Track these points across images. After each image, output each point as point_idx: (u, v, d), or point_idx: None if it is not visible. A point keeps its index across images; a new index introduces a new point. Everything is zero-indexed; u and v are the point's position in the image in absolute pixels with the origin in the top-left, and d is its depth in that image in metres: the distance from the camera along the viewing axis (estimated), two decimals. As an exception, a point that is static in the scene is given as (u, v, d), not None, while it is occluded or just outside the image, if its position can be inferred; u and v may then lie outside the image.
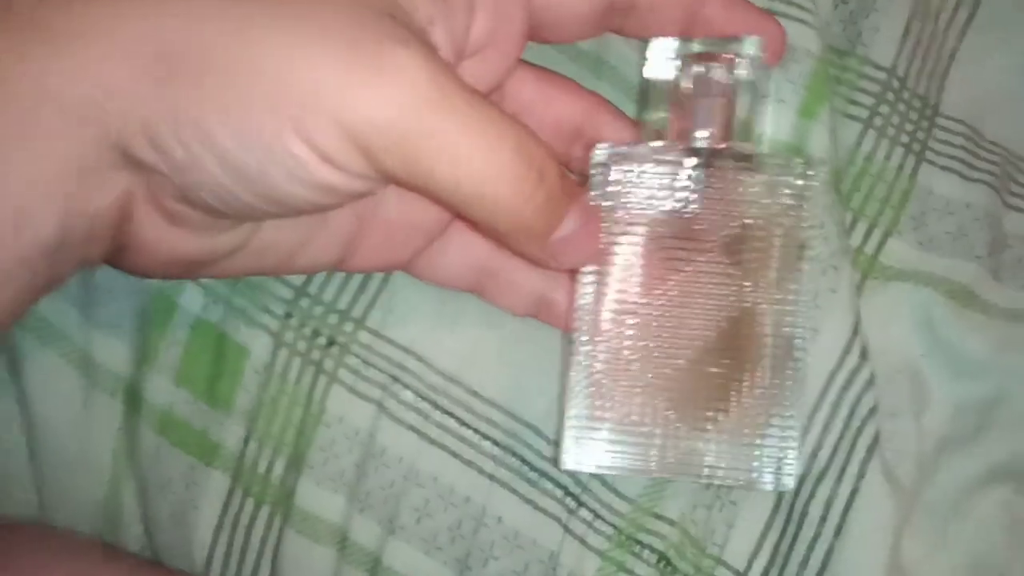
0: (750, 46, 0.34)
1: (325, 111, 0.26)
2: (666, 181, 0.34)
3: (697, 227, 0.34)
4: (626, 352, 0.35)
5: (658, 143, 0.35)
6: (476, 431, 0.39)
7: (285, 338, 0.39)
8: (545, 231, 0.30)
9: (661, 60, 0.35)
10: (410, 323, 0.39)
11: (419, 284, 0.38)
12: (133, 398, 0.40)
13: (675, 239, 0.35)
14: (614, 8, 0.34)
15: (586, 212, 0.31)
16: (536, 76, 0.36)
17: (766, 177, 0.35)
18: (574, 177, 0.33)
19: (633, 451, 0.35)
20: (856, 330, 0.38)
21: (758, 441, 0.35)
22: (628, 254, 0.35)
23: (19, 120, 0.26)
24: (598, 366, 0.35)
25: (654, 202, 0.34)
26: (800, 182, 0.35)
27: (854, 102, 0.41)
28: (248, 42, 0.26)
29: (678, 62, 0.35)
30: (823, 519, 0.38)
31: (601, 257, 0.34)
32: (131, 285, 0.40)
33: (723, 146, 0.35)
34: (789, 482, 0.35)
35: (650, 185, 0.34)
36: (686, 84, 0.35)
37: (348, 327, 0.39)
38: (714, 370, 0.35)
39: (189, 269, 0.33)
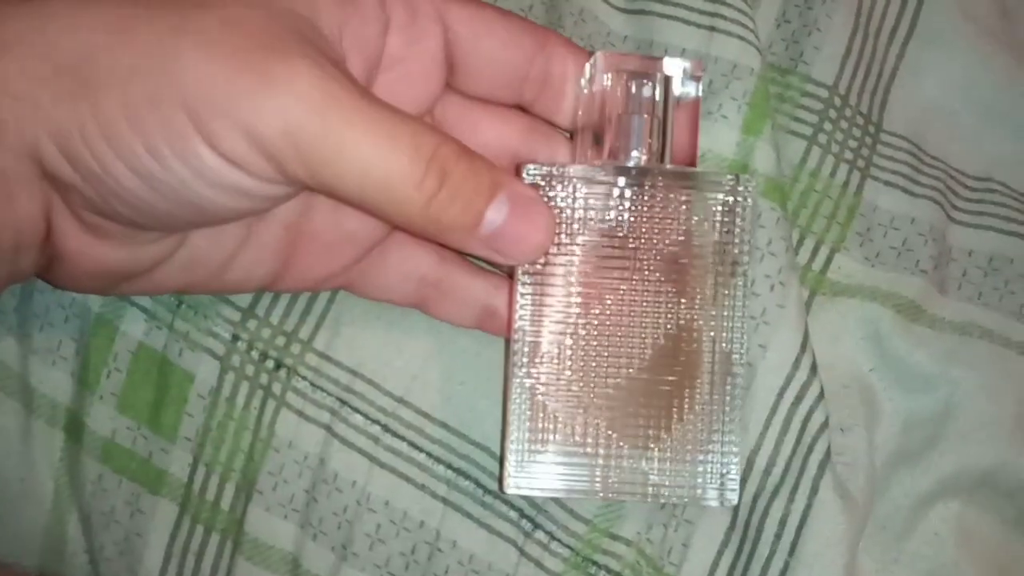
0: (682, 64, 0.34)
1: (229, 117, 0.27)
2: (599, 200, 0.34)
3: (631, 245, 0.34)
4: (566, 373, 0.34)
5: (591, 163, 0.35)
6: (428, 454, 0.38)
7: (232, 362, 0.38)
8: (464, 226, 0.30)
9: (595, 75, 0.35)
10: (358, 344, 0.38)
11: (366, 304, 0.37)
12: (74, 427, 0.38)
13: (610, 258, 0.34)
14: (527, 77, 0.35)
15: (517, 201, 0.30)
16: (463, 103, 0.36)
17: (697, 194, 0.34)
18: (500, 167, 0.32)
19: (577, 473, 0.34)
20: (805, 345, 0.38)
21: (700, 457, 0.34)
22: (563, 274, 0.34)
23: None
24: (538, 388, 0.34)
25: (587, 222, 0.34)
26: (731, 198, 0.34)
27: (797, 119, 0.41)
28: (156, 53, 0.27)
29: (610, 79, 0.34)
30: (777, 536, 0.37)
31: (542, 257, 0.34)
32: (70, 311, 0.38)
33: (653, 164, 0.34)
34: (733, 497, 0.34)
35: (583, 205, 0.34)
36: (618, 101, 0.34)
37: (296, 348, 0.38)
38: (654, 388, 0.34)
39: (116, 282, 0.33)
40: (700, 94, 0.35)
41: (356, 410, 0.37)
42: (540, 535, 0.37)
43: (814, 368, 0.38)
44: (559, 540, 0.37)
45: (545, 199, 0.34)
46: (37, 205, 0.28)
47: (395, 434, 0.37)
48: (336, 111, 0.27)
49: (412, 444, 0.37)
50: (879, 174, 0.41)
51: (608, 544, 0.37)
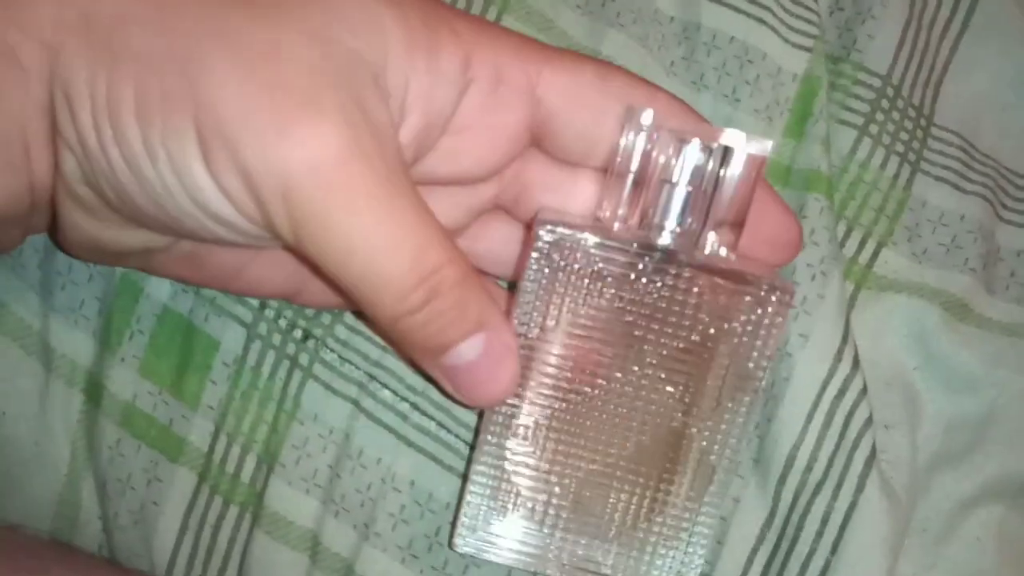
0: (744, 138, 0.28)
1: (232, 150, 0.24)
2: (614, 273, 0.29)
3: (638, 334, 0.29)
4: (537, 453, 0.31)
5: (612, 230, 0.29)
6: (457, 436, 0.35)
7: (259, 330, 0.35)
8: (427, 350, 0.27)
9: (640, 129, 0.29)
10: None
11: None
12: (94, 389, 0.36)
13: (611, 342, 0.30)
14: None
15: (492, 349, 0.27)
16: (545, 162, 0.31)
17: (726, 295, 0.29)
18: (496, 305, 0.28)
19: (529, 547, 0.32)
20: (846, 337, 0.35)
21: (659, 562, 0.31)
22: (558, 342, 0.30)
23: None
24: (506, 457, 0.31)
25: (596, 294, 0.29)
26: (761, 309, 0.29)
27: (848, 108, 0.39)
28: (188, 54, 0.24)
29: (657, 137, 0.28)
30: (819, 534, 0.34)
31: (511, 391, 0.29)
32: (94, 269, 0.36)
33: (686, 246, 0.29)
34: None
35: (595, 274, 0.29)
36: (661, 164, 0.29)
37: (326, 319, 0.35)
38: (628, 482, 0.31)
39: (112, 259, 0.31)
40: (757, 174, 0.29)
41: (385, 385, 0.35)
42: (568, 523, 0.35)
43: (856, 362, 0.35)
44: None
45: (558, 258, 0.29)
46: (47, 166, 0.26)
47: (424, 413, 0.35)
48: (344, 190, 0.24)
49: (440, 424, 0.35)
50: (930, 169, 0.39)
51: None
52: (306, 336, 0.35)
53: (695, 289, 0.29)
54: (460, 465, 0.35)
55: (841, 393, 0.35)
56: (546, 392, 0.30)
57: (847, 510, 0.34)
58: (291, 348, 0.35)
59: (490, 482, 0.31)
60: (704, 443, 0.30)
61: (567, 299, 0.29)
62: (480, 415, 0.34)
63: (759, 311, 0.29)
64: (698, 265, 0.29)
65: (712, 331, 0.30)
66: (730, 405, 0.30)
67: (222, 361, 0.35)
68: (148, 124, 0.24)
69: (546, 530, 0.32)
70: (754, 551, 0.35)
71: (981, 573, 0.36)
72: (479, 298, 0.27)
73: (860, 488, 0.34)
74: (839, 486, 0.34)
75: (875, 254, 0.38)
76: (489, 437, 0.31)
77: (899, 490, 0.36)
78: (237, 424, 0.35)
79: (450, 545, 0.34)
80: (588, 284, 0.29)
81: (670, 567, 0.31)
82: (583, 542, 0.32)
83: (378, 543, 0.35)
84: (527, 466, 0.31)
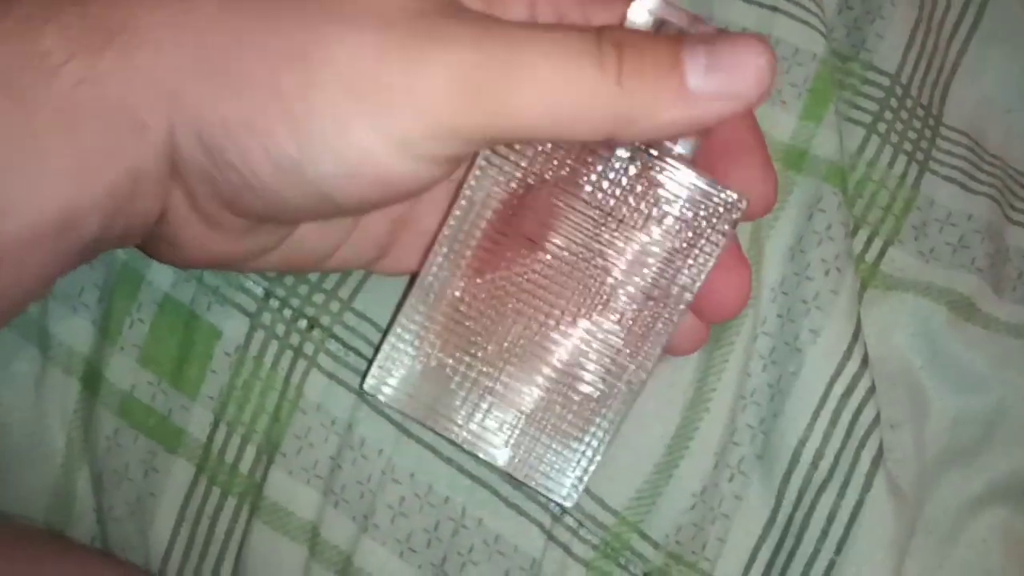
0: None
1: (406, 104, 0.24)
2: (583, 154, 0.29)
3: (590, 212, 0.29)
4: (469, 310, 0.30)
5: None
6: (459, 427, 0.35)
7: (262, 319, 0.35)
8: (669, 87, 0.24)
9: (639, 14, 0.28)
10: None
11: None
12: (92, 377, 0.35)
13: (560, 218, 0.29)
14: None
15: (704, 39, 0.25)
16: None
17: (673, 189, 0.29)
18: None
19: (440, 409, 0.31)
20: (857, 335, 0.35)
21: (562, 449, 0.31)
22: (510, 206, 0.29)
23: (76, 122, 0.24)
24: (438, 314, 0.30)
25: (553, 167, 0.29)
26: (706, 211, 0.28)
27: (857, 107, 0.38)
28: (306, 37, 0.24)
29: (649, 21, 0.28)
30: (824, 533, 0.34)
31: None
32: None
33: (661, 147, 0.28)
34: (570, 501, 0.31)
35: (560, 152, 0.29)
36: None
37: (334, 307, 0.34)
38: (549, 369, 0.30)
39: (219, 265, 0.31)
40: None
41: None
42: (569, 520, 0.34)
43: (866, 360, 0.35)
44: (587, 527, 0.34)
45: None
46: (158, 201, 0.26)
47: (426, 404, 0.34)
48: (499, 58, 0.24)
49: (443, 416, 0.35)
50: (938, 168, 0.38)
51: (637, 542, 0.34)
52: (312, 325, 0.35)
53: (650, 175, 0.28)
54: (460, 458, 0.34)
55: (849, 391, 0.34)
56: (490, 255, 0.30)
57: (853, 509, 0.34)
58: (295, 338, 0.34)
59: (416, 328, 0.30)
60: (621, 345, 0.30)
61: (528, 170, 0.29)
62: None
63: (702, 213, 0.29)
64: (658, 154, 0.28)
65: (654, 226, 0.29)
66: (654, 311, 0.30)
67: (223, 351, 0.35)
68: (294, 120, 0.24)
69: (459, 394, 0.31)
70: (756, 549, 0.35)
71: (987, 574, 0.35)
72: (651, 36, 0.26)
73: (867, 487, 0.34)
74: (845, 484, 0.34)
75: (882, 252, 0.37)
76: (429, 278, 0.30)
77: (906, 490, 0.35)
78: (238, 414, 0.35)
79: (360, 386, 0.33)
80: (546, 154, 0.29)
81: (569, 465, 0.31)
82: (490, 420, 0.31)
83: (377, 535, 0.34)
84: (456, 325, 0.30)
